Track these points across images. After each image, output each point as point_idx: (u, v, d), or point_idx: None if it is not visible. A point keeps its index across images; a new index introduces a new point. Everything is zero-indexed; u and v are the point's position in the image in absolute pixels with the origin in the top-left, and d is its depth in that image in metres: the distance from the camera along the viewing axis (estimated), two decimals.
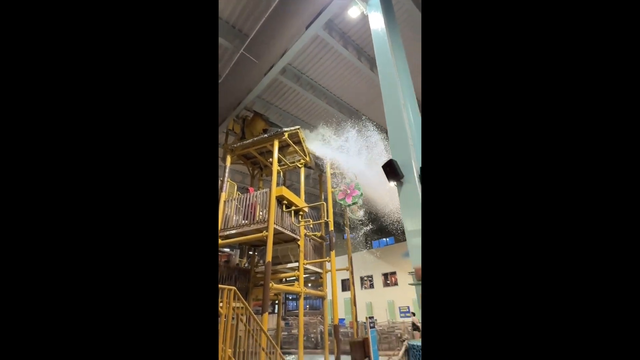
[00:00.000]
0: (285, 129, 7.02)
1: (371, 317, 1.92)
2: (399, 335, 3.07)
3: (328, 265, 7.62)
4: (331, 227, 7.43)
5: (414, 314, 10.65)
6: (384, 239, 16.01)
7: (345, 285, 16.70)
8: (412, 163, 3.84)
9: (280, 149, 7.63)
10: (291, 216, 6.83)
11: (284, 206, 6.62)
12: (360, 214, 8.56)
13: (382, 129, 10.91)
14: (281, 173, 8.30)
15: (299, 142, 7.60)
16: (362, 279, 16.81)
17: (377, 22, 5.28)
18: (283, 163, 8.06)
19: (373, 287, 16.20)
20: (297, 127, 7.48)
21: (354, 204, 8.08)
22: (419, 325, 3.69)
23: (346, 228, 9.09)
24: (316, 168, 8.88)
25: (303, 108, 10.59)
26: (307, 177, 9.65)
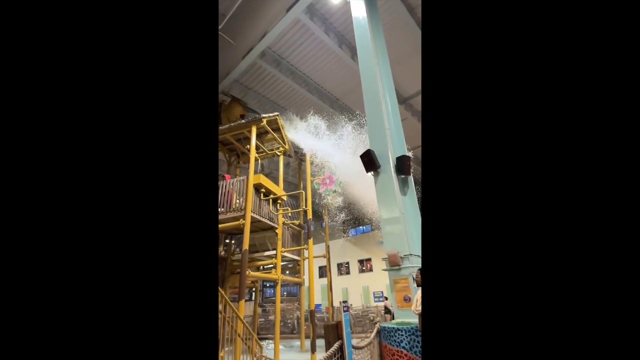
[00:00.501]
0: (264, 115, 6.85)
1: (345, 302, 1.99)
2: (371, 318, 3.23)
3: (306, 253, 7.72)
4: (309, 216, 7.48)
5: (386, 298, 11.17)
6: (361, 227, 16.43)
7: (323, 271, 17.07)
8: (389, 154, 3.92)
9: (259, 136, 7.45)
10: (269, 204, 6.78)
11: (261, 194, 6.54)
12: (338, 202, 8.69)
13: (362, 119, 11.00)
14: (259, 161, 8.15)
15: (278, 129, 7.45)
16: (339, 265, 17.26)
17: (358, 9, 5.20)
18: (261, 150, 7.90)
19: (349, 274, 16.71)
20: (276, 113, 7.31)
21: (333, 192, 8.16)
22: (391, 308, 3.87)
23: (324, 216, 9.20)
24: (295, 156, 8.81)
25: (283, 94, 10.36)
26: (286, 165, 9.56)
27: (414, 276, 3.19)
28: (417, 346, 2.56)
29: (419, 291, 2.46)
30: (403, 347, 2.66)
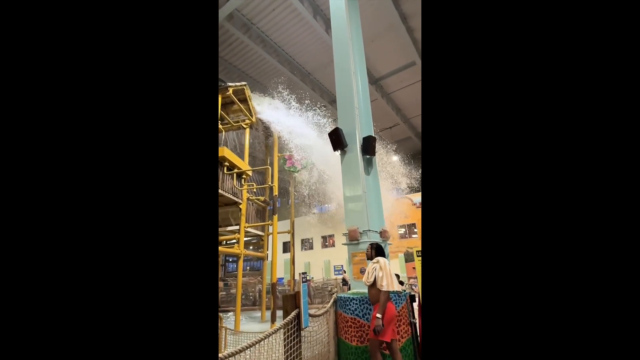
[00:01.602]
0: (230, 84, 6.43)
1: (304, 273, 2.06)
2: (330, 289, 3.44)
3: (270, 229, 7.75)
4: (275, 192, 7.43)
5: (344, 272, 11.80)
6: (327, 204, 16.85)
7: (286, 247, 17.42)
8: (357, 133, 3.97)
9: (224, 106, 7.02)
10: (233, 179, 6.58)
11: (225, 168, 6.30)
12: (304, 180, 8.72)
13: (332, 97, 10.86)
14: (223, 132, 7.75)
15: (245, 100, 7.07)
16: (303, 241, 17.73)
17: None
18: (226, 122, 7.50)
19: (312, 249, 17.31)
20: (244, 83, 6.90)
21: (297, 171, 8.14)
22: (348, 280, 4.11)
23: (291, 193, 9.22)
24: (263, 131, 8.53)
25: (252, 63, 9.76)
26: (252, 139, 9.23)
27: (367, 250, 3.39)
28: (368, 313, 2.78)
29: (370, 264, 2.62)
30: (356, 315, 2.87)
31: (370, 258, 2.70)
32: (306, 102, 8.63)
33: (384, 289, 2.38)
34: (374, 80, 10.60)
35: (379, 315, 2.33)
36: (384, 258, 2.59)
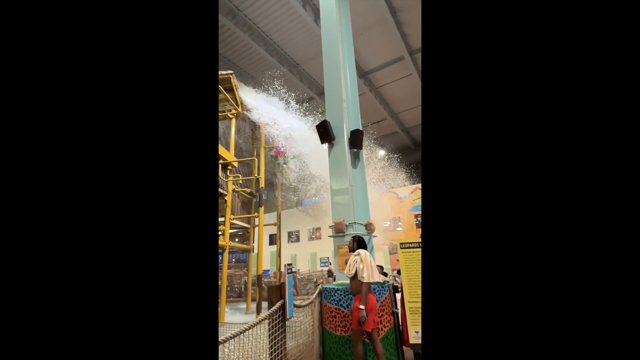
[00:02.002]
0: None
1: (289, 264, 2.08)
2: (315, 280, 3.49)
3: (256, 221, 7.70)
4: (262, 184, 7.36)
5: (330, 264, 12.01)
6: (314, 197, 16.90)
7: (273, 239, 17.40)
8: (344, 126, 3.97)
9: None
10: (218, 170, 6.45)
11: None
12: (292, 172, 8.68)
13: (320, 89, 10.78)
14: None
15: (231, 90, 6.90)
16: (289, 233, 17.76)
17: None
18: None
19: (299, 241, 17.38)
20: (230, 72, 6.72)
21: (293, 158, 8.07)
22: (333, 271, 4.17)
23: (278, 185, 9.16)
24: (249, 121, 8.37)
25: (238, 52, 9.50)
26: (238, 130, 9.06)
27: (349, 243, 3.44)
28: (351, 304, 2.84)
29: (352, 256, 2.67)
30: (340, 305, 2.92)
31: (352, 250, 2.75)
32: (294, 93, 8.53)
33: (365, 280, 2.44)
34: (363, 74, 10.59)
35: (362, 307, 2.39)
36: (365, 250, 2.64)
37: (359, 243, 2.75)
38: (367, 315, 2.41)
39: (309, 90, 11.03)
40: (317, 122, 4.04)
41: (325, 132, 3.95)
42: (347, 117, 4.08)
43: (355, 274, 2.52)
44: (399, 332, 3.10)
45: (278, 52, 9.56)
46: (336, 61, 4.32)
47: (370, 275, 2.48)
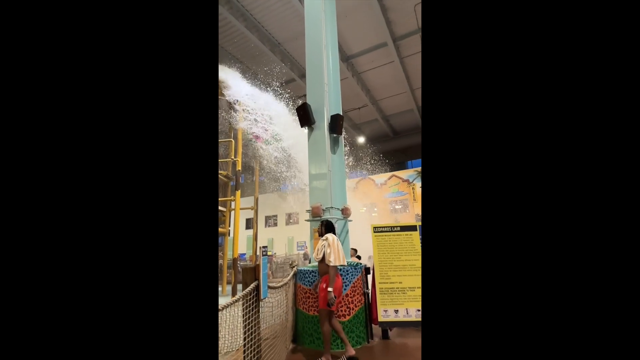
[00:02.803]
0: None
1: (264, 247, 2.09)
2: (290, 263, 3.54)
3: (233, 204, 7.57)
4: (239, 167, 7.20)
5: (307, 247, 12.23)
6: (293, 182, 16.86)
7: (249, 223, 17.29)
8: (325, 110, 3.93)
9: None
10: None
11: None
12: (271, 156, 8.54)
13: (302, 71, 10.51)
14: None
15: None
16: (267, 218, 17.71)
17: None
18: None
19: (276, 225, 17.42)
20: None
21: (273, 138, 7.91)
22: (309, 254, 4.25)
23: (255, 169, 9.00)
24: (226, 102, 8.03)
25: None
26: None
27: (318, 227, 3.51)
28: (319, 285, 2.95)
29: (320, 241, 2.77)
30: (315, 287, 3.01)
31: (321, 235, 2.83)
32: (275, 73, 8.24)
33: (332, 263, 2.55)
34: (346, 58, 10.43)
35: (330, 289, 2.50)
36: (333, 235, 2.74)
37: (327, 227, 2.84)
38: (335, 297, 2.52)
39: (290, 72, 10.71)
40: (298, 105, 3.97)
41: (305, 116, 3.89)
42: (328, 101, 4.04)
43: (323, 257, 2.62)
44: (369, 311, 3.27)
45: (259, 30, 9.12)
46: (319, 42, 4.21)
47: (337, 259, 2.59)
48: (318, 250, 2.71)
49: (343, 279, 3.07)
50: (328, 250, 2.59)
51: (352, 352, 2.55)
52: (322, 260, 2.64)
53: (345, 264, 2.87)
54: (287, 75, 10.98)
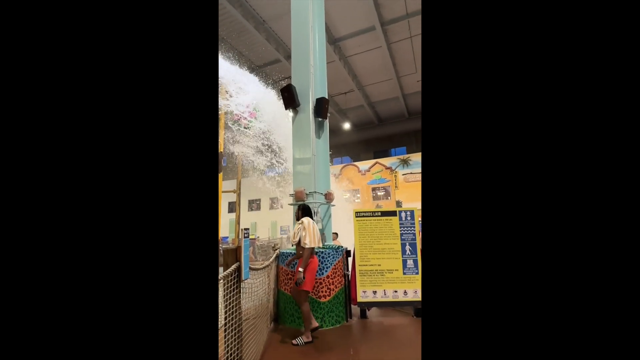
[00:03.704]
0: None
1: (246, 229, 2.09)
2: (273, 246, 3.58)
3: None
4: (221, 149, 7.02)
5: (290, 231, 12.31)
6: (277, 166, 16.70)
7: (232, 207, 17.09)
8: (310, 92, 3.86)
9: None
10: None
11: None
12: (254, 138, 8.36)
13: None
14: None
15: None
16: (250, 202, 17.57)
17: None
18: None
19: (260, 209, 17.36)
20: None
21: (250, 126, 7.73)
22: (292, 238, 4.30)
23: (238, 155, 8.79)
24: None
25: None
26: None
27: (315, 210, 3.54)
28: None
29: (296, 224, 2.85)
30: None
31: (298, 218, 2.91)
32: (259, 53, 7.93)
33: (307, 245, 2.65)
34: (333, 40, 10.18)
35: (301, 269, 2.61)
36: (309, 218, 2.83)
37: (304, 211, 2.91)
38: (304, 278, 2.62)
39: (275, 52, 10.35)
40: (282, 87, 3.86)
41: (290, 97, 3.81)
42: (314, 83, 3.96)
43: (300, 240, 2.72)
44: (349, 292, 3.39)
45: (242, 5, 8.65)
46: (305, 21, 4.07)
47: (312, 241, 2.69)
48: (294, 233, 2.81)
49: (325, 261, 3.15)
50: (303, 233, 2.69)
51: (309, 338, 2.65)
52: (299, 243, 2.74)
53: (321, 245, 2.96)
54: (272, 55, 10.61)
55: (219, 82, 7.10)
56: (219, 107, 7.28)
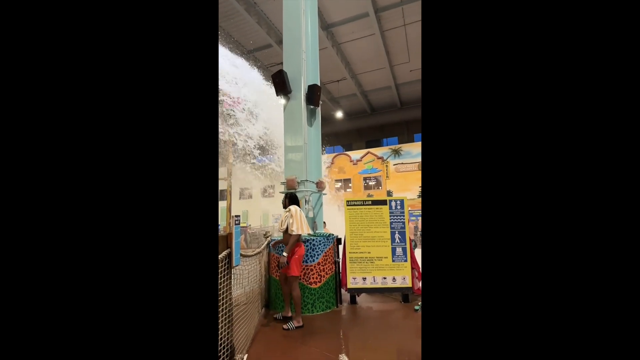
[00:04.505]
0: None
1: (237, 216, 2.08)
2: (265, 233, 3.59)
3: None
4: None
5: None
6: (270, 155, 16.56)
7: (223, 195, 16.96)
8: (302, 78, 3.79)
9: None
10: None
11: None
12: (245, 126, 8.22)
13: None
14: None
15: None
16: (241, 190, 17.46)
17: None
18: None
19: (251, 197, 17.30)
20: None
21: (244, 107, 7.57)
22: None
23: (229, 141, 8.63)
24: None
25: None
26: None
27: (307, 199, 3.55)
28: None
29: (284, 212, 2.90)
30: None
31: (285, 207, 2.95)
32: (251, 38, 7.69)
33: (294, 232, 2.71)
34: (325, 26, 9.94)
35: (285, 254, 2.70)
36: (296, 206, 2.88)
37: (291, 200, 2.96)
38: (287, 262, 2.71)
39: (267, 37, 10.05)
40: (274, 72, 3.78)
41: (281, 83, 3.74)
42: (306, 69, 3.88)
43: (287, 228, 2.77)
44: (338, 278, 3.45)
45: None
46: (297, 6, 3.94)
47: (299, 228, 2.75)
48: (282, 221, 2.85)
49: (316, 248, 3.18)
50: (291, 221, 2.74)
51: (289, 313, 2.86)
52: (286, 231, 2.78)
53: (309, 232, 3.01)
54: (263, 40, 10.31)
55: None
56: None
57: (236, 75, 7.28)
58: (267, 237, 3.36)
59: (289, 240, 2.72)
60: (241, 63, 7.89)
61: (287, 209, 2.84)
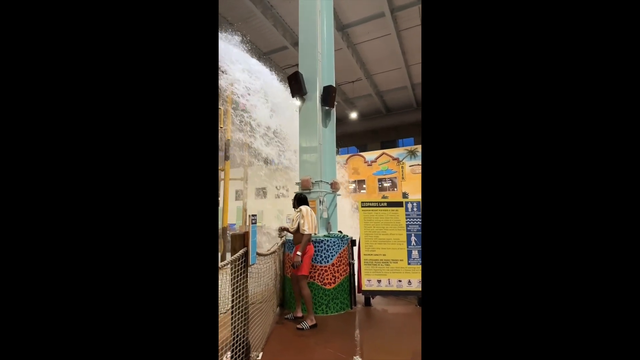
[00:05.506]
0: None
1: (254, 215, 2.12)
2: (278, 229, 3.62)
3: (222, 175, 7.48)
4: (228, 136, 7.03)
5: None
6: (282, 155, 16.74)
7: (239, 195, 17.30)
8: (317, 80, 3.80)
9: None
10: None
11: None
12: (260, 127, 8.34)
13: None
14: None
15: None
16: (257, 190, 17.74)
17: None
18: None
19: (266, 197, 17.55)
20: None
21: (243, 111, 7.69)
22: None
23: (246, 141, 8.79)
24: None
25: None
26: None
27: (321, 199, 3.56)
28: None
29: (294, 213, 2.96)
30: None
31: (295, 207, 3.01)
32: (267, 40, 7.79)
33: (306, 232, 2.76)
34: (340, 27, 9.93)
35: (299, 253, 2.73)
36: (306, 206, 2.94)
37: (300, 201, 3.02)
38: (301, 261, 2.73)
39: (282, 39, 10.17)
40: (290, 74, 3.81)
41: (297, 85, 3.77)
42: (321, 70, 3.90)
43: (298, 227, 2.83)
44: (353, 279, 3.43)
45: None
46: (313, 7, 3.97)
47: (310, 228, 2.80)
48: (293, 221, 2.93)
49: (330, 249, 3.18)
50: (302, 221, 2.81)
51: (300, 314, 2.90)
52: (297, 231, 2.84)
53: (317, 232, 3.06)
54: (279, 42, 10.43)
55: (225, 70, 7.05)
56: (227, 92, 7.25)
57: (251, 82, 7.41)
58: (282, 236, 3.39)
59: (301, 239, 2.77)
60: (258, 65, 8.02)
61: (298, 209, 2.90)
